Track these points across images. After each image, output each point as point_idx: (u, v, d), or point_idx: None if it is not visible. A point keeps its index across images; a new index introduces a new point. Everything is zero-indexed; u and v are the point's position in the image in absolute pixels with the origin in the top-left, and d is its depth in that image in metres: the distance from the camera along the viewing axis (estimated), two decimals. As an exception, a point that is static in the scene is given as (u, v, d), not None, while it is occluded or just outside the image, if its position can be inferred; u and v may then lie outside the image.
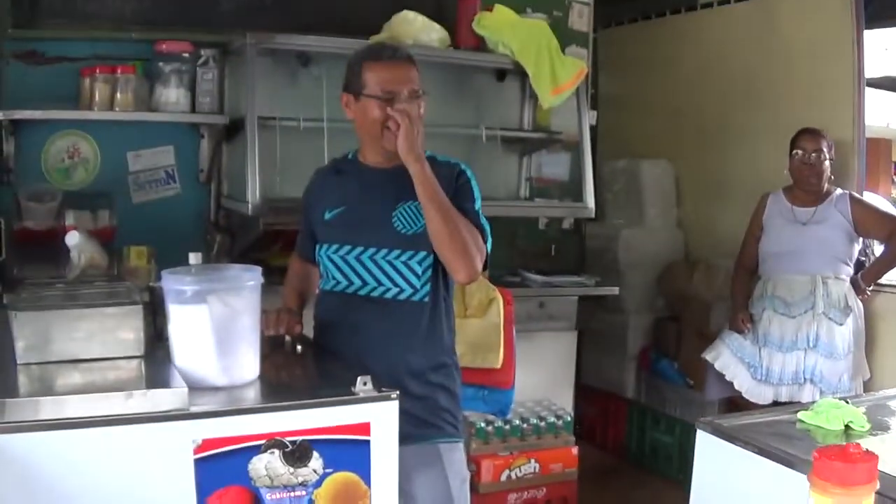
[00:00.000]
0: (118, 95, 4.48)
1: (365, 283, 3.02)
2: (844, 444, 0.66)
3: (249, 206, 4.39)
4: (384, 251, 2.98)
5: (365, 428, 2.56)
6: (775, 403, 4.66)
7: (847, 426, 2.47)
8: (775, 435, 2.67)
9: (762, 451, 2.57)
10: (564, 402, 5.33)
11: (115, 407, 2.30)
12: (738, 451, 2.65)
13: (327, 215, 3.10)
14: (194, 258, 2.70)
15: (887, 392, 3.21)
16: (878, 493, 2.24)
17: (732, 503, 2.66)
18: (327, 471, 2.54)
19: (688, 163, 6.36)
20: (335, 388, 2.58)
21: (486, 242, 2.96)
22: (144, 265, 3.83)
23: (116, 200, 4.56)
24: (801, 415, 2.85)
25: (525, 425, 4.72)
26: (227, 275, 2.70)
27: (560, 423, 4.85)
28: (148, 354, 2.64)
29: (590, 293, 5.65)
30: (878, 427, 2.70)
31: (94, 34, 4.67)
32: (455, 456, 3.10)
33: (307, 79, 4.83)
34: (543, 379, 5.28)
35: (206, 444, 2.39)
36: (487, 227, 3.00)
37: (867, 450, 0.69)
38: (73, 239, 3.32)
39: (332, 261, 3.08)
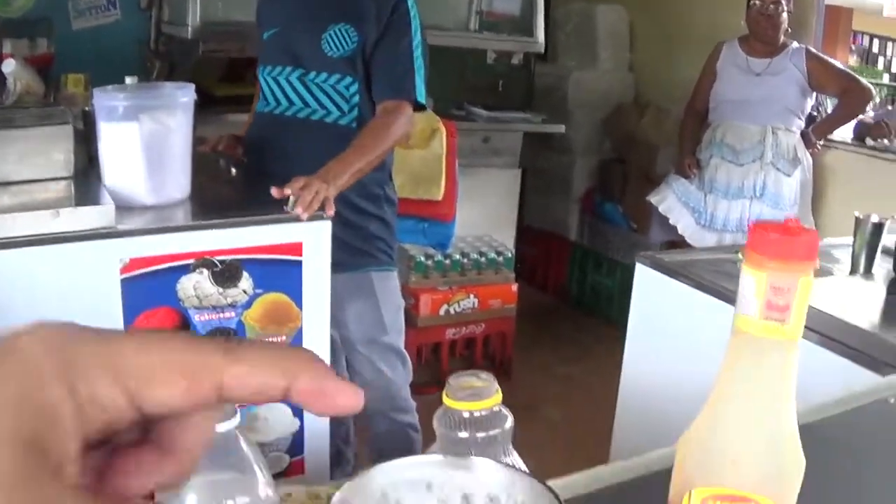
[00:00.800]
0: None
1: (292, 104, 2.97)
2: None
3: (189, 29, 4.27)
4: (312, 73, 2.92)
5: (297, 248, 2.53)
6: (718, 250, 4.67)
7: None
8: (715, 272, 2.68)
9: (701, 286, 2.58)
10: (506, 239, 5.32)
11: (43, 226, 2.27)
12: (677, 285, 2.65)
13: (265, 35, 3.04)
14: (130, 80, 2.62)
15: (831, 240, 3.23)
16: (809, 328, 2.28)
17: (668, 337, 2.67)
18: (257, 291, 2.52)
19: (643, 8, 6.25)
20: (267, 208, 2.53)
21: (416, 80, 2.90)
22: (82, 92, 3.72)
23: (55, 27, 4.45)
24: (740, 254, 2.84)
25: (465, 260, 4.69)
26: (159, 92, 2.66)
27: (501, 259, 4.82)
28: (79, 176, 2.59)
29: (535, 130, 5.62)
30: (819, 272, 2.72)
31: None
32: (388, 284, 3.08)
33: None
34: (485, 215, 5.26)
35: (134, 262, 2.37)
36: (420, 64, 2.92)
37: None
38: (8, 66, 3.23)
39: (265, 81, 3.03)
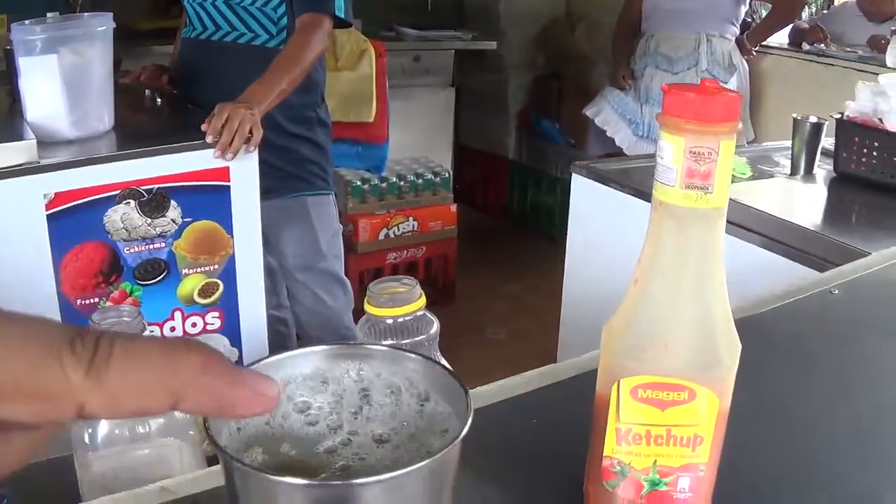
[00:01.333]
0: None
1: (218, 28, 2.89)
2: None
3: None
4: None
5: (224, 173, 2.49)
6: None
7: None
8: (651, 178, 2.65)
9: (639, 193, 2.55)
10: (443, 160, 5.27)
11: (-36, 164, 2.21)
12: (614, 193, 2.63)
13: None
14: (51, 16, 2.55)
15: (770, 143, 3.22)
16: (751, 229, 2.28)
17: (608, 247, 2.64)
18: (186, 220, 2.48)
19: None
20: (192, 135, 2.47)
21: (331, 6, 2.81)
22: (4, 33, 3.61)
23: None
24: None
25: (402, 183, 4.64)
26: (77, 23, 2.58)
27: (438, 180, 4.77)
28: (2, 116, 2.58)
29: (467, 48, 5.56)
30: (760, 175, 2.72)
31: None
32: (324, 209, 3.03)
33: None
34: (421, 137, 5.21)
35: (59, 197, 2.33)
36: None
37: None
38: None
39: (190, 6, 2.94)
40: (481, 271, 5.19)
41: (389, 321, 0.93)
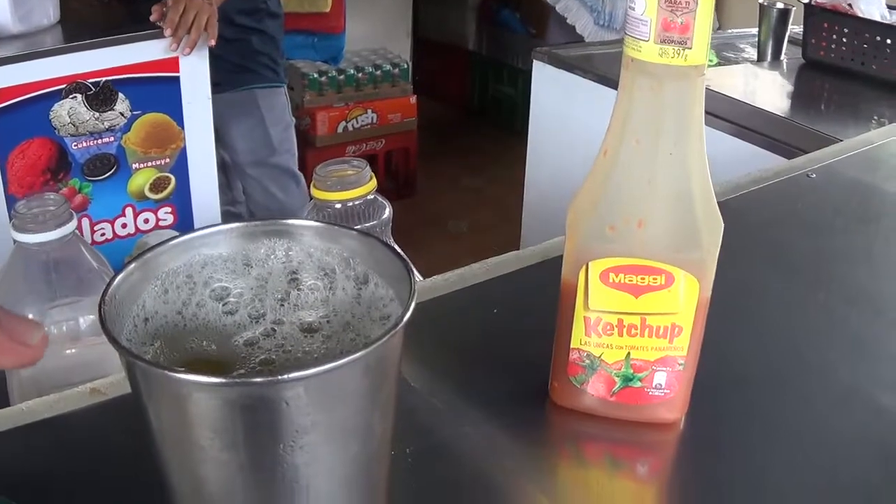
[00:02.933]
0: None
1: None
2: None
3: None
4: None
5: (173, 64, 2.41)
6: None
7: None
8: (614, 64, 2.59)
9: (601, 79, 2.49)
10: (402, 51, 5.16)
11: None
12: (575, 79, 2.57)
13: None
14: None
15: (737, 30, 3.17)
16: (720, 116, 2.23)
17: (569, 135, 2.60)
18: (135, 113, 2.43)
19: None
20: (139, 26, 2.41)
21: None
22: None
23: None
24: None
25: (360, 74, 4.53)
26: None
27: (397, 71, 4.67)
28: None
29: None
30: (726, 62, 2.69)
31: None
32: (275, 101, 2.94)
33: None
34: (378, 28, 5.09)
35: (3, 93, 2.27)
36: None
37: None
38: None
39: None
40: (443, 164, 5.12)
41: (338, 205, 0.87)
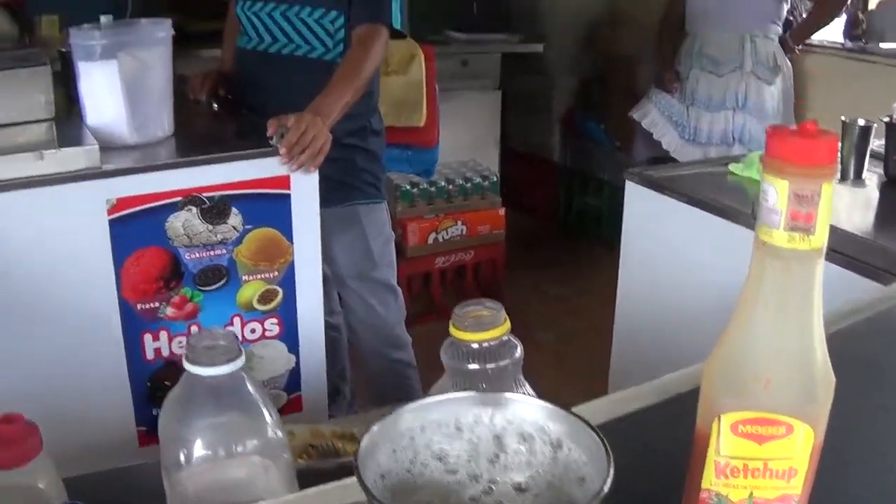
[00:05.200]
0: None
1: (276, 40, 2.90)
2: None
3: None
4: (296, 7, 2.84)
5: (284, 181, 2.51)
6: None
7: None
8: (705, 186, 2.66)
9: (692, 201, 2.56)
10: (490, 163, 5.29)
11: (27, 168, 2.23)
12: (667, 200, 2.63)
13: None
14: (105, 20, 2.57)
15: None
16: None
17: (662, 254, 2.66)
18: (247, 227, 2.51)
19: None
20: (252, 142, 2.51)
21: (391, 4, 2.82)
22: (57, 34, 3.65)
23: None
24: (731, 167, 2.83)
25: (451, 186, 4.66)
26: (135, 29, 2.60)
27: (486, 183, 4.79)
28: (60, 118, 2.56)
29: (513, 50, 5.57)
30: None
31: None
32: (376, 216, 3.05)
33: None
34: (468, 140, 5.22)
35: (121, 203, 2.35)
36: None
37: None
38: (-21, 12, 3.18)
39: (246, 17, 2.95)
40: (530, 275, 5.20)
41: (475, 345, 0.95)
